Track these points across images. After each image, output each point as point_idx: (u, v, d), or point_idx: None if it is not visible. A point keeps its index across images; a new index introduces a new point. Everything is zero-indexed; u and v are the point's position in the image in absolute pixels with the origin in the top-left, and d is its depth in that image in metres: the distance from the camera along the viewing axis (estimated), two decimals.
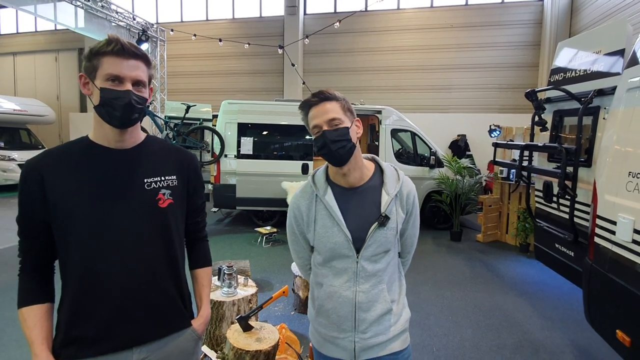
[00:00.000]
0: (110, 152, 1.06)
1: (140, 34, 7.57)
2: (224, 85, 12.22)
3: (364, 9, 11.16)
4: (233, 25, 12.20)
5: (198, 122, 6.45)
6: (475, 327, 3.20)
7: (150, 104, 6.56)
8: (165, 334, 1.09)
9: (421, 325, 3.20)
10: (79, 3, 7.04)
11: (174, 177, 1.13)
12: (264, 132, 6.60)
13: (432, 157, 6.48)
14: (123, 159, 1.07)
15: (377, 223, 1.17)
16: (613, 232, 2.12)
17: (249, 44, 9.14)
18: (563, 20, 9.52)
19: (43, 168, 1.01)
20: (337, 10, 11.53)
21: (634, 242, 1.94)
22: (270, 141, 6.64)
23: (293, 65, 6.52)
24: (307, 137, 6.56)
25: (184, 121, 6.16)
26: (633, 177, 2.00)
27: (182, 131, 6.09)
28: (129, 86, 1.00)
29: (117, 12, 7.04)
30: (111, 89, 0.99)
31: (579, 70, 2.96)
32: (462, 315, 3.41)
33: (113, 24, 7.29)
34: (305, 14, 11.60)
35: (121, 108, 0.99)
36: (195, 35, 9.50)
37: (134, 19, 7.36)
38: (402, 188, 1.24)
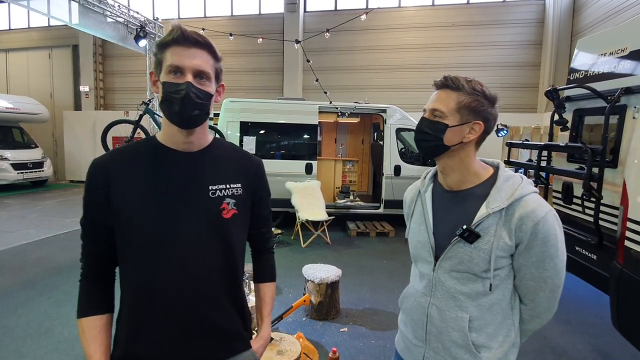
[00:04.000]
0: (177, 154, 0.98)
1: (139, 30, 7.37)
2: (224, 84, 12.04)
3: (364, 8, 11.05)
4: (231, 22, 12.02)
5: None
6: None
7: (150, 101, 6.39)
8: (224, 356, 1.00)
9: None
10: None
11: (239, 186, 1.03)
12: (267, 131, 6.47)
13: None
14: (189, 163, 0.98)
15: (458, 235, 0.99)
16: None
17: (262, 38, 8.97)
18: (565, 20, 9.50)
19: (110, 169, 0.94)
20: (338, 8, 11.41)
21: None
22: (273, 140, 6.51)
23: (308, 61, 6.41)
24: (311, 136, 6.44)
25: None
26: None
27: None
28: (189, 77, 0.90)
29: (113, 7, 6.85)
30: (171, 82, 0.89)
31: (602, 69, 2.87)
32: None
33: (109, 19, 7.10)
34: (305, 11, 11.46)
35: (179, 102, 0.88)
36: (204, 29, 9.29)
37: (130, 14, 7.16)
38: (514, 208, 0.96)
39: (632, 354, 2.72)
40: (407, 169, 6.44)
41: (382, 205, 6.52)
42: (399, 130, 6.57)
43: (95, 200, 0.95)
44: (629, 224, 2.19)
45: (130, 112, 11.51)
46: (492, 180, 1.04)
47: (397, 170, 6.44)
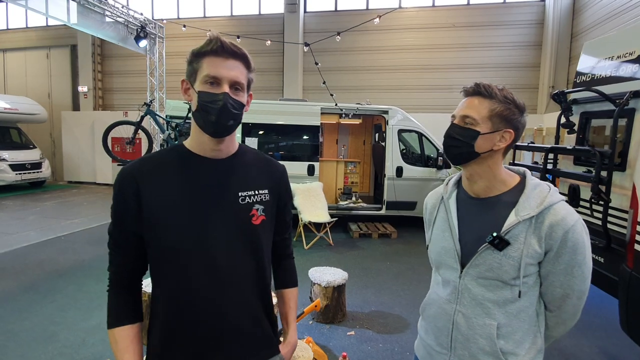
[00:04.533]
0: (206, 161, 0.98)
1: (139, 30, 7.33)
2: None
3: (364, 9, 11.04)
4: (231, 22, 11.99)
5: None
6: None
7: (151, 102, 6.35)
8: None
9: None
10: None
11: (266, 192, 1.04)
12: (269, 132, 6.45)
13: (439, 157, 6.40)
14: (218, 170, 0.99)
15: (488, 243, 1.00)
16: None
17: (269, 41, 8.92)
18: (565, 21, 9.53)
19: (139, 176, 0.94)
20: (338, 9, 11.40)
21: None
22: (275, 141, 6.50)
23: (317, 64, 6.40)
24: (313, 137, 6.43)
25: (186, 120, 5.98)
26: None
27: (184, 131, 5.91)
28: (226, 88, 0.90)
29: (113, 7, 6.79)
30: (208, 91, 0.89)
31: (609, 72, 2.88)
32: None
33: (109, 19, 7.04)
34: (305, 11, 11.44)
35: (216, 112, 0.89)
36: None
37: (130, 14, 7.10)
38: (544, 215, 0.97)
39: (639, 357, 2.73)
40: (409, 170, 6.44)
41: (384, 207, 6.52)
42: (400, 132, 6.57)
43: (125, 209, 0.94)
44: (639, 228, 2.19)
45: (130, 112, 11.47)
46: (520, 187, 1.04)
47: (399, 171, 6.44)
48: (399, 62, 10.87)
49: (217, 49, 0.89)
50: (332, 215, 5.80)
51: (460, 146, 1.03)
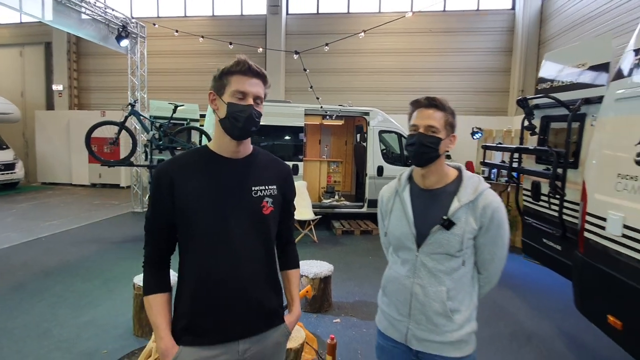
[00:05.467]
0: (227, 161, 1.18)
1: (120, 29, 7.26)
2: (203, 84, 11.87)
3: (345, 13, 11.31)
4: (213, 22, 11.97)
5: (185, 123, 6.31)
6: None
7: (135, 102, 6.34)
8: (264, 329, 1.20)
9: None
10: None
11: (275, 187, 1.22)
12: (257, 132, 6.57)
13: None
14: (237, 168, 1.18)
15: (439, 225, 1.24)
16: (603, 228, 2.36)
17: (262, 49, 8.98)
18: (533, 29, 10.15)
19: (173, 173, 1.13)
20: (320, 12, 11.61)
21: (624, 236, 2.17)
22: (260, 142, 6.63)
23: (305, 70, 6.57)
24: (297, 137, 6.61)
25: (171, 121, 6.02)
26: (622, 178, 2.24)
27: (168, 132, 5.94)
28: (250, 101, 1.10)
29: (89, 3, 6.61)
30: (237, 103, 1.09)
31: (565, 80, 3.23)
32: None
33: (84, 16, 6.87)
34: (287, 13, 11.59)
35: (244, 120, 1.10)
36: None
37: (112, 13, 6.99)
38: (478, 199, 1.25)
39: (593, 334, 3.06)
40: (389, 169, 6.74)
41: (365, 205, 6.78)
42: (381, 132, 6.85)
43: (161, 199, 1.13)
44: (588, 217, 2.51)
45: (108, 112, 11.25)
46: (458, 179, 1.31)
47: (380, 170, 6.72)
48: (378, 65, 11.20)
49: (245, 70, 1.10)
50: (315, 213, 6.00)
51: (429, 152, 1.26)
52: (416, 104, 1.30)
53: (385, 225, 1.42)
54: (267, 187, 1.20)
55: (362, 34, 6.80)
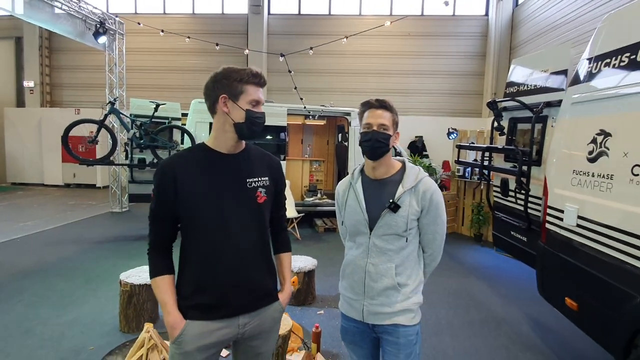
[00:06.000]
0: (224, 156, 1.31)
1: (98, 26, 7.11)
2: (182, 82, 11.80)
3: (327, 14, 11.46)
4: (193, 20, 11.85)
5: (167, 121, 6.28)
6: (447, 307, 3.64)
7: (116, 100, 6.25)
8: (262, 305, 1.34)
9: None
10: None
11: (267, 178, 1.36)
12: None
13: (397, 156, 6.95)
14: (232, 162, 1.30)
15: (387, 208, 1.43)
16: (561, 219, 2.61)
17: (248, 50, 8.94)
18: (505, 35, 10.66)
19: (176, 168, 1.26)
20: (302, 12, 11.71)
21: (578, 225, 2.42)
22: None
23: (290, 71, 6.68)
24: (279, 137, 6.70)
25: (152, 120, 5.97)
26: (576, 174, 2.49)
27: (150, 130, 5.90)
28: (261, 108, 1.27)
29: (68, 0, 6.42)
30: (255, 110, 1.25)
31: (530, 85, 3.50)
32: (434, 297, 3.83)
33: (59, 11, 6.65)
34: (269, 13, 11.63)
35: (259, 125, 1.28)
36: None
37: (81, 6, 6.77)
38: (419, 185, 1.46)
39: (555, 318, 3.34)
40: None
41: None
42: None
43: (166, 191, 1.24)
44: (549, 210, 2.77)
45: (82, 110, 10.92)
46: (402, 170, 1.52)
47: None
48: (359, 67, 11.42)
49: (261, 82, 1.27)
50: (298, 212, 6.12)
51: (382, 147, 1.44)
52: (368, 105, 1.48)
53: (342, 216, 1.59)
54: (260, 179, 1.33)
55: (345, 39, 6.98)
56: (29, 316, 3.18)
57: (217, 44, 8.29)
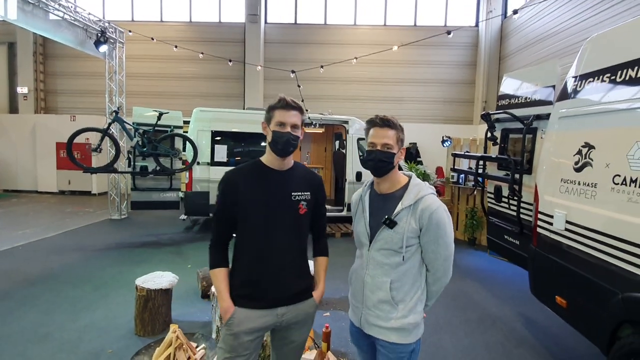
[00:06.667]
0: (275, 172, 1.54)
1: (99, 35, 7.21)
2: (180, 89, 11.92)
3: (322, 24, 11.72)
4: (190, 28, 11.99)
5: (169, 129, 6.39)
6: (446, 308, 3.83)
7: (119, 109, 6.35)
8: (298, 299, 1.56)
9: None
10: None
11: (308, 193, 1.57)
12: (238, 140, 6.77)
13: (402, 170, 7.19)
14: (281, 178, 1.53)
15: (383, 223, 1.46)
16: (551, 224, 2.83)
17: (260, 66, 9.09)
18: (494, 45, 11.06)
19: (237, 179, 1.53)
20: (298, 22, 11.95)
21: (566, 230, 2.65)
22: (244, 148, 6.83)
23: (299, 86, 6.92)
24: None
25: (156, 128, 6.08)
26: (564, 182, 2.72)
27: (152, 138, 6.01)
28: (288, 129, 1.46)
29: (58, 3, 6.36)
30: (278, 131, 1.45)
31: (521, 98, 3.75)
32: None
33: (52, 16, 6.63)
34: (266, 22, 11.84)
35: (283, 143, 1.47)
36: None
37: (77, 12, 6.81)
38: (418, 203, 1.44)
39: (546, 316, 3.56)
40: (367, 175, 7.14)
41: (345, 209, 7.15)
42: (359, 140, 7.26)
43: (229, 197, 1.51)
44: (539, 216, 2.99)
45: (78, 116, 10.93)
46: (406, 186, 1.53)
47: (359, 176, 7.11)
48: (354, 75, 11.68)
49: (284, 105, 1.49)
50: None
51: (386, 166, 1.48)
52: (372, 123, 1.51)
53: (353, 223, 1.67)
54: (302, 193, 1.56)
55: (355, 60, 7.28)
56: (44, 322, 3.27)
57: (230, 60, 8.48)
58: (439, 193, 7.88)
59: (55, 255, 5.18)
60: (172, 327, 2.22)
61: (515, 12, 5.42)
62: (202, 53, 10.00)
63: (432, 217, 1.42)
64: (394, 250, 1.45)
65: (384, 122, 1.49)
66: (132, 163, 6.17)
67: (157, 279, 3.18)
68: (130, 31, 9.21)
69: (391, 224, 1.44)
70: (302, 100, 6.94)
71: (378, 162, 1.48)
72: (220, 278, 1.52)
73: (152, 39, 9.52)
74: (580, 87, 2.69)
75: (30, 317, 3.35)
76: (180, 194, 6.89)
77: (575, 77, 2.77)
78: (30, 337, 3.01)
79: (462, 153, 4.42)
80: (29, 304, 3.61)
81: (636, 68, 2.19)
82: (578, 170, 2.57)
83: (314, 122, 7.01)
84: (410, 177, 1.56)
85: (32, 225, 7.05)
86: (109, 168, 5.95)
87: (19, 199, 10.32)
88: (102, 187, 11.04)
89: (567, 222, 2.64)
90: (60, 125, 10.75)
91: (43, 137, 10.91)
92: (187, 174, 6.46)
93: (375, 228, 1.51)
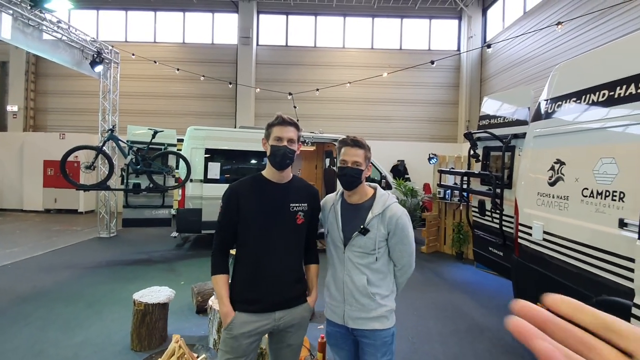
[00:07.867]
0: (274, 184, 1.66)
1: (95, 55, 7.37)
2: (172, 108, 12.07)
3: (312, 47, 12.17)
4: (183, 49, 12.28)
5: (163, 147, 6.50)
6: (436, 319, 3.96)
7: (113, 127, 6.45)
8: (294, 304, 1.66)
9: (396, 321, 3.86)
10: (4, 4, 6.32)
11: (306, 205, 1.70)
12: (231, 158, 6.91)
13: (382, 180, 7.43)
14: (280, 190, 1.66)
15: (358, 232, 1.69)
16: (530, 234, 3.04)
17: (256, 87, 9.33)
18: (475, 68, 11.67)
19: (239, 191, 1.63)
20: (289, 44, 12.38)
21: (544, 239, 2.86)
22: (237, 166, 6.97)
23: (295, 107, 7.16)
24: (262, 161, 7.04)
25: (150, 146, 6.18)
26: (540, 195, 2.96)
27: (147, 156, 6.10)
28: (285, 143, 1.60)
29: (52, 24, 6.48)
30: (276, 145, 1.59)
31: (500, 119, 4.05)
32: (424, 310, 4.16)
33: (46, 35, 6.74)
34: (258, 44, 12.23)
35: (280, 156, 1.60)
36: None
37: (71, 32, 6.96)
38: (385, 211, 1.70)
39: None
40: None
41: None
42: None
43: (231, 208, 1.63)
44: (520, 227, 3.21)
45: (67, 134, 10.92)
46: (374, 197, 1.77)
47: None
48: (344, 95, 12.07)
49: (281, 121, 1.62)
50: None
51: (355, 180, 1.70)
52: (344, 143, 1.73)
53: (325, 228, 1.84)
54: (300, 205, 1.69)
55: (348, 84, 7.62)
56: (38, 339, 3.25)
57: (230, 83, 8.70)
58: (426, 208, 8.11)
59: (45, 274, 5.12)
60: (175, 337, 2.29)
61: (489, 46, 5.85)
62: (203, 76, 10.26)
63: (398, 222, 1.68)
64: (367, 252, 1.68)
65: (354, 143, 1.71)
66: (125, 180, 6.21)
67: (155, 294, 3.23)
68: (133, 54, 9.43)
69: (365, 231, 1.67)
70: (297, 120, 7.19)
71: (349, 177, 1.70)
72: (221, 284, 1.60)
73: (155, 61, 9.77)
74: (551, 109, 2.97)
75: (25, 334, 3.33)
76: (173, 211, 6.92)
77: (547, 100, 3.06)
78: (26, 353, 3.00)
79: (448, 169, 4.66)
80: (22, 321, 3.59)
81: (597, 93, 2.47)
82: (552, 184, 2.81)
83: (306, 141, 7.23)
84: (375, 189, 1.80)
85: (20, 243, 6.94)
86: (103, 185, 5.99)
87: (4, 217, 10.12)
88: (90, 205, 10.92)
89: (545, 232, 2.86)
90: (48, 144, 10.71)
91: (31, 155, 10.83)
92: (180, 191, 6.53)
93: (348, 234, 1.71)
